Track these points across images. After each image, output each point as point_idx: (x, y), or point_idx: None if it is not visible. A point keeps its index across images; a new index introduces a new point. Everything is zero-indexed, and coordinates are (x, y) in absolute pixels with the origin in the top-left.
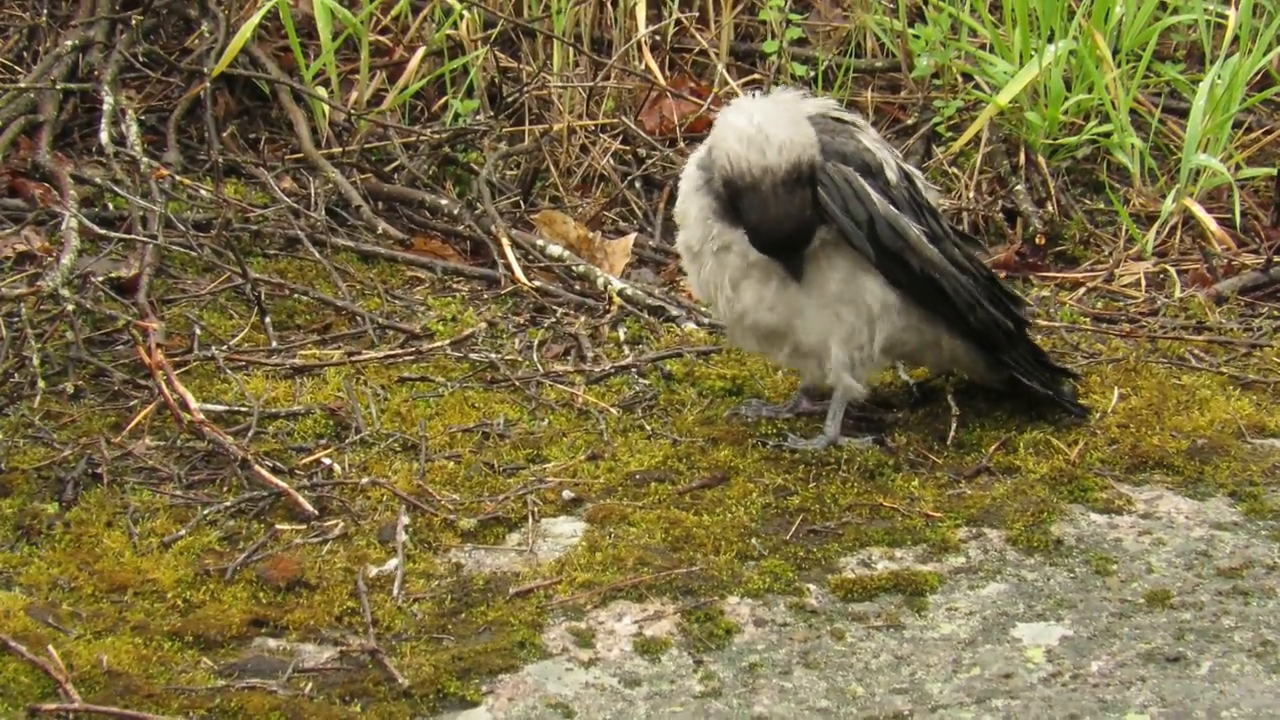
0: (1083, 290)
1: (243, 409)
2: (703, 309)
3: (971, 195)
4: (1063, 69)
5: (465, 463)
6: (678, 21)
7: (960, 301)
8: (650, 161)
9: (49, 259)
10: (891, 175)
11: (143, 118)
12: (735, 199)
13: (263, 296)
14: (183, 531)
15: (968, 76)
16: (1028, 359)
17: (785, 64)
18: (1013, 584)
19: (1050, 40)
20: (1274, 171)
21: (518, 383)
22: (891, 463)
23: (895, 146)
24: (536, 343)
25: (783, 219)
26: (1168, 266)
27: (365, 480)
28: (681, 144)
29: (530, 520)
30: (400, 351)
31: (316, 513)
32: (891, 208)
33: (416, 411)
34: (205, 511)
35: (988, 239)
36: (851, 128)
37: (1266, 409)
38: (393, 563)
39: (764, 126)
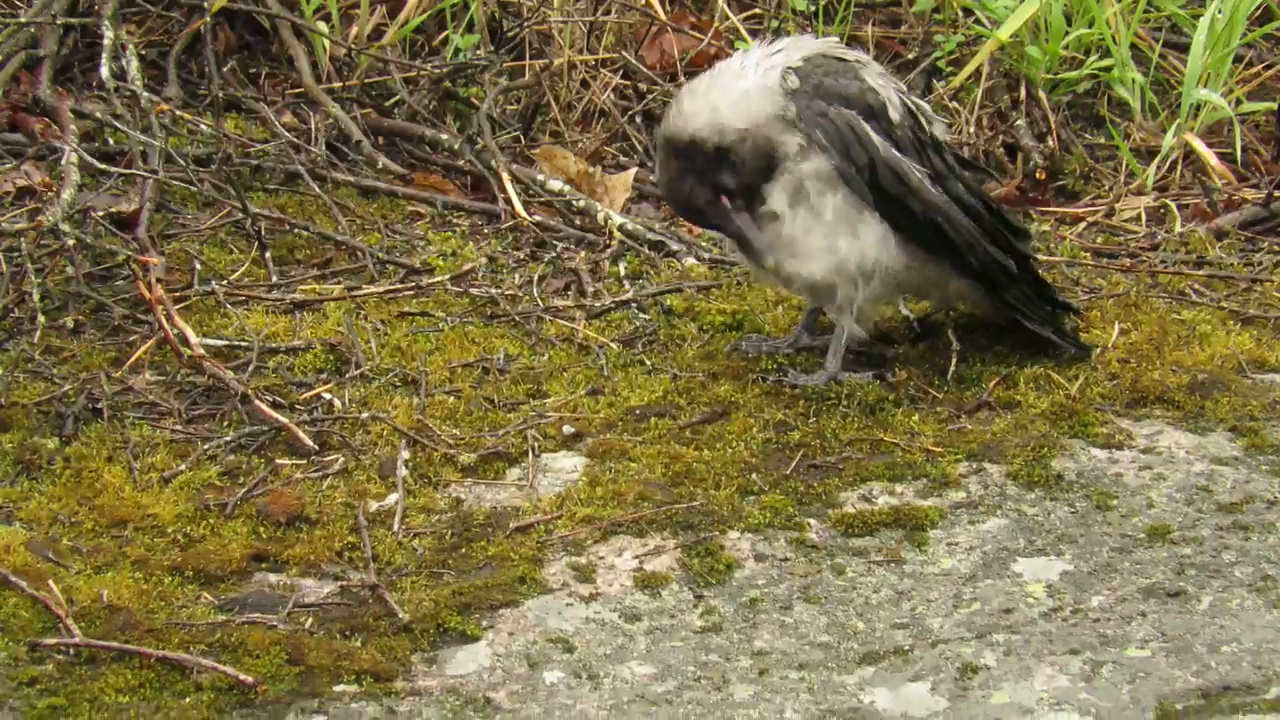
0: (1083, 225)
1: (243, 344)
2: (703, 244)
3: (972, 130)
4: (1063, 3)
5: (465, 398)
6: None
7: (960, 242)
8: (651, 97)
9: (49, 194)
10: (895, 114)
11: (143, 52)
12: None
13: (263, 231)
14: (183, 466)
15: (968, 11)
16: (1030, 295)
17: None
18: (1013, 519)
19: None
20: (1274, 106)
21: (518, 318)
22: (892, 398)
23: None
24: (537, 278)
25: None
26: (1168, 201)
27: (365, 415)
28: (682, 79)
29: (530, 455)
30: (400, 286)
31: (316, 448)
32: (894, 151)
33: (417, 346)
34: (205, 446)
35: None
36: (855, 66)
37: (1267, 344)
38: (393, 498)
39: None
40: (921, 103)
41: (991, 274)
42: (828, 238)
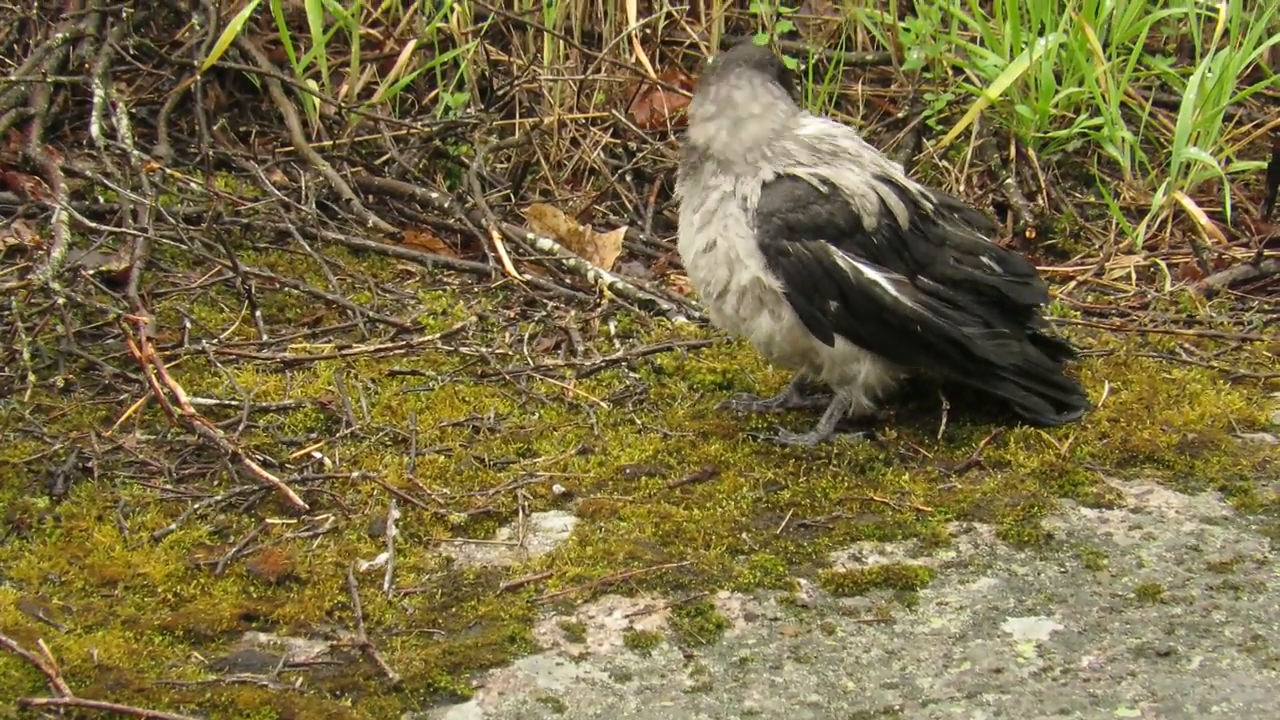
0: (1073, 284)
1: (233, 403)
2: (694, 303)
3: (962, 189)
4: (1053, 62)
5: (456, 457)
6: (668, 14)
7: (940, 346)
8: (641, 155)
9: (39, 252)
10: (870, 220)
11: (133, 111)
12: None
13: (253, 290)
14: (173, 525)
15: (958, 70)
16: (1023, 383)
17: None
18: (1003, 578)
19: (1040, 33)
20: (1264, 165)
21: (508, 376)
22: (882, 457)
23: (886, 140)
24: (527, 336)
25: None
26: (1158, 260)
27: (356, 474)
28: (672, 137)
29: (520, 514)
30: (391, 345)
31: (307, 507)
32: (865, 273)
33: (407, 405)
34: (196, 505)
35: None
36: (839, 167)
37: (1257, 403)
38: (383, 557)
39: None
40: (908, 184)
41: (975, 373)
42: (785, 337)
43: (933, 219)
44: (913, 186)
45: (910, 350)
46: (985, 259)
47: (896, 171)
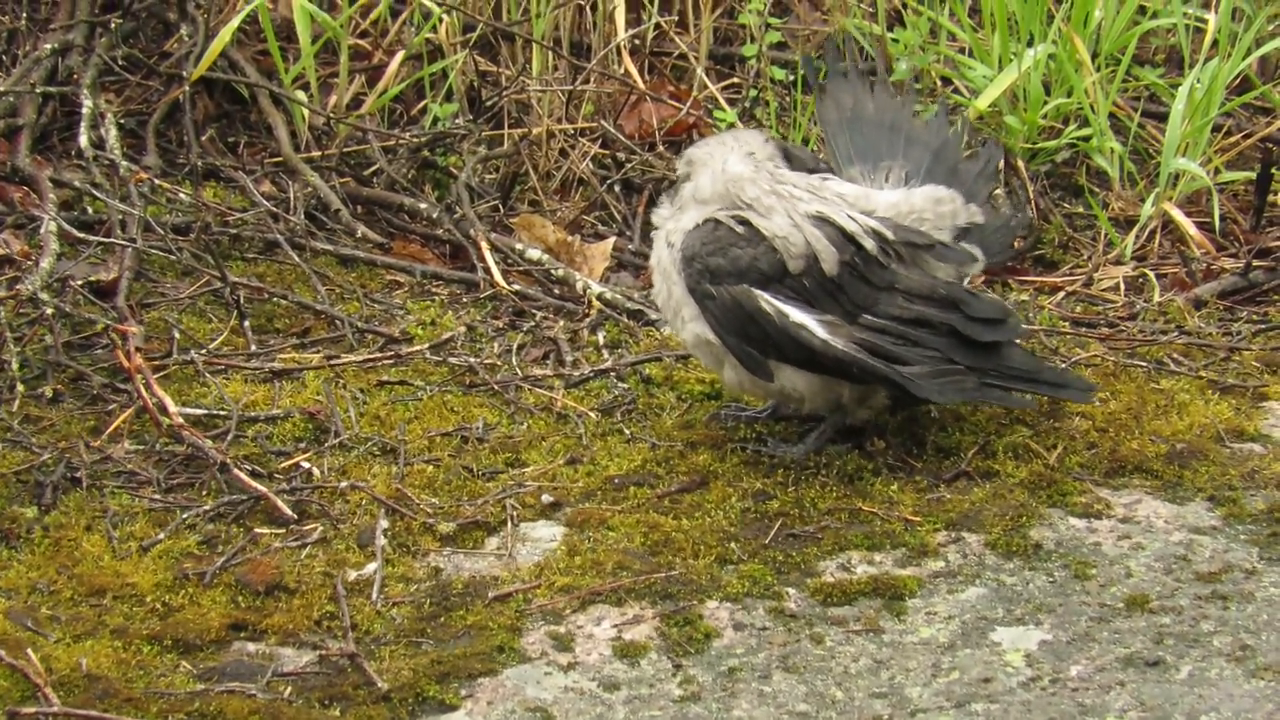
0: (1062, 294)
1: (222, 413)
2: None
3: None
4: (1042, 73)
5: (444, 467)
6: (657, 25)
7: (881, 380)
8: (629, 165)
9: (28, 262)
10: (795, 264)
11: (122, 121)
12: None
13: (242, 300)
14: (162, 535)
15: (947, 80)
16: (999, 384)
17: (764, 68)
18: (992, 588)
19: (1029, 44)
20: (1253, 175)
21: (497, 386)
22: (871, 467)
23: None
24: (515, 346)
25: None
26: (1147, 271)
27: (344, 484)
28: (660, 147)
29: (509, 524)
30: (379, 355)
31: (295, 517)
32: (792, 316)
33: (395, 415)
34: (184, 515)
35: None
36: (752, 220)
37: (1245, 413)
38: (372, 567)
39: None
40: (861, 194)
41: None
42: (753, 383)
43: (880, 261)
44: (866, 224)
45: (862, 380)
46: (938, 304)
47: (878, 201)
